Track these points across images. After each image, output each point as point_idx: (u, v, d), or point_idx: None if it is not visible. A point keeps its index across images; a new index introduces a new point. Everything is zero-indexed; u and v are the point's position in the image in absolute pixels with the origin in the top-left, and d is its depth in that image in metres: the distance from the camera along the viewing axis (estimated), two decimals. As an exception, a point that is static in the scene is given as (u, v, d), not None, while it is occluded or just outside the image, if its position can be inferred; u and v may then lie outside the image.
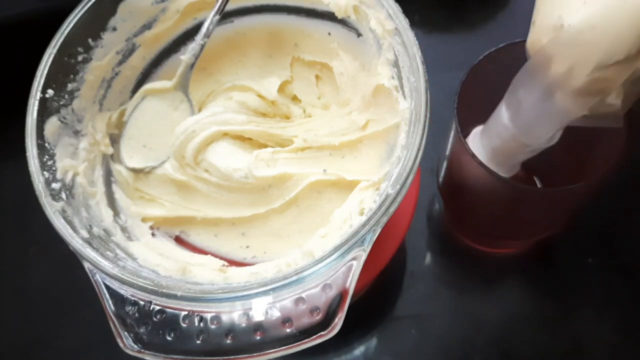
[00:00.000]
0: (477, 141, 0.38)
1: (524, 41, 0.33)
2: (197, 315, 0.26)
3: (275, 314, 0.26)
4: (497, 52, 0.36)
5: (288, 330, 0.26)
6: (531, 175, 0.47)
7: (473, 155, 0.34)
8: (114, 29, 0.35)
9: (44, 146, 0.31)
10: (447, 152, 0.41)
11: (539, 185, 0.47)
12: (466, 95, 0.36)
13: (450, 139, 0.39)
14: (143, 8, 0.36)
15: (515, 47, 0.35)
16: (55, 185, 0.31)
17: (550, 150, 0.35)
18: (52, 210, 0.29)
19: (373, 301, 0.46)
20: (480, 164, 0.34)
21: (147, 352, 0.26)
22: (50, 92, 0.32)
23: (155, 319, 0.27)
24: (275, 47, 0.40)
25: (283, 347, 0.26)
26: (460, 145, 0.35)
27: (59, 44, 0.32)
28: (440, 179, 0.45)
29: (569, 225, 0.47)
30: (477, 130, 0.39)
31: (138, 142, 0.37)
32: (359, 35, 0.37)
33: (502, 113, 0.35)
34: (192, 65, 0.36)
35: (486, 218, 0.44)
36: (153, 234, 0.36)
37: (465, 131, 0.37)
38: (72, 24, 0.33)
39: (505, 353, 0.44)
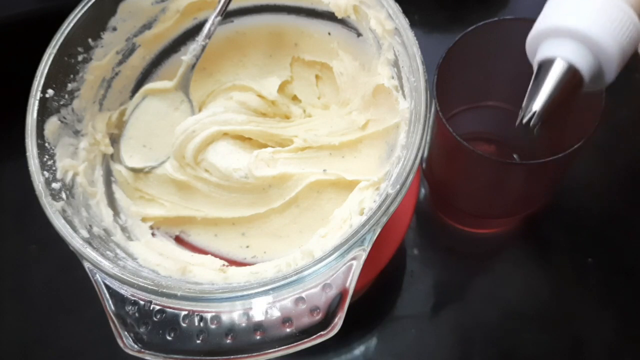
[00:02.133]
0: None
1: (499, 20, 0.35)
2: (197, 315, 0.26)
3: (275, 313, 0.26)
4: (473, 32, 0.36)
5: (288, 330, 0.26)
6: (510, 152, 0.47)
7: (452, 132, 0.34)
8: (114, 29, 0.35)
9: (44, 146, 0.31)
10: (430, 135, 0.41)
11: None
12: (446, 75, 0.36)
13: (431, 120, 0.38)
14: (143, 8, 0.36)
15: (491, 25, 0.36)
16: (55, 185, 0.31)
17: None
18: (52, 210, 0.29)
19: (373, 301, 0.46)
20: (460, 141, 0.34)
21: (147, 352, 0.26)
22: (50, 92, 0.32)
23: (155, 319, 0.27)
24: (275, 47, 0.40)
25: (283, 347, 0.26)
26: (441, 124, 0.35)
27: (59, 44, 0.32)
28: (424, 165, 0.45)
29: (568, 224, 0.47)
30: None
31: (138, 142, 0.37)
32: (359, 35, 0.37)
33: None
34: (193, 66, 0.36)
35: (469, 196, 0.44)
36: (153, 234, 0.36)
37: (446, 113, 0.36)
38: (72, 24, 0.33)
39: (505, 353, 0.44)
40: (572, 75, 0.24)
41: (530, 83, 0.26)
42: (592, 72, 0.24)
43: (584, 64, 0.24)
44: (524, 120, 0.26)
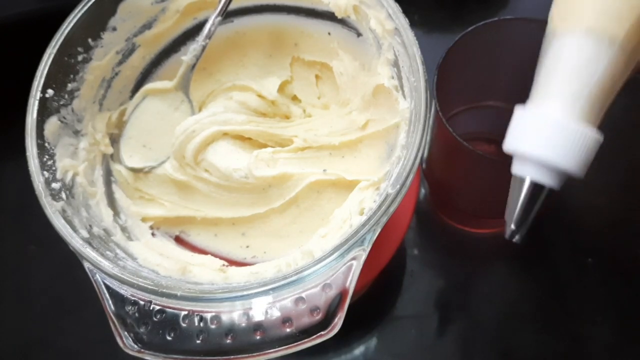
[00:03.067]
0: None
1: (499, 20, 0.35)
2: (197, 315, 0.26)
3: (275, 313, 0.26)
4: (473, 32, 0.36)
5: (288, 330, 0.26)
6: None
7: (452, 132, 0.34)
8: (114, 29, 0.35)
9: (44, 146, 0.31)
10: (430, 136, 0.41)
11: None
12: (446, 75, 0.36)
13: (431, 120, 0.38)
14: (143, 8, 0.36)
15: (491, 25, 0.36)
16: (55, 185, 0.31)
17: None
18: (52, 210, 0.29)
19: (373, 301, 0.46)
20: (460, 141, 0.34)
21: (147, 352, 0.26)
22: (50, 92, 0.32)
23: (155, 319, 0.27)
24: (275, 47, 0.40)
25: (283, 347, 0.26)
26: (441, 124, 0.35)
27: (59, 44, 0.32)
28: (424, 165, 0.45)
29: (568, 224, 0.47)
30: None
31: (138, 142, 0.37)
32: (359, 35, 0.37)
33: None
34: (193, 66, 0.36)
35: (470, 196, 0.44)
36: (153, 234, 0.36)
37: (446, 113, 0.36)
38: (72, 24, 0.33)
39: (505, 353, 0.44)
40: (540, 189, 0.25)
41: (510, 191, 0.28)
42: (559, 183, 0.25)
43: (549, 181, 0.25)
44: (508, 236, 0.27)
